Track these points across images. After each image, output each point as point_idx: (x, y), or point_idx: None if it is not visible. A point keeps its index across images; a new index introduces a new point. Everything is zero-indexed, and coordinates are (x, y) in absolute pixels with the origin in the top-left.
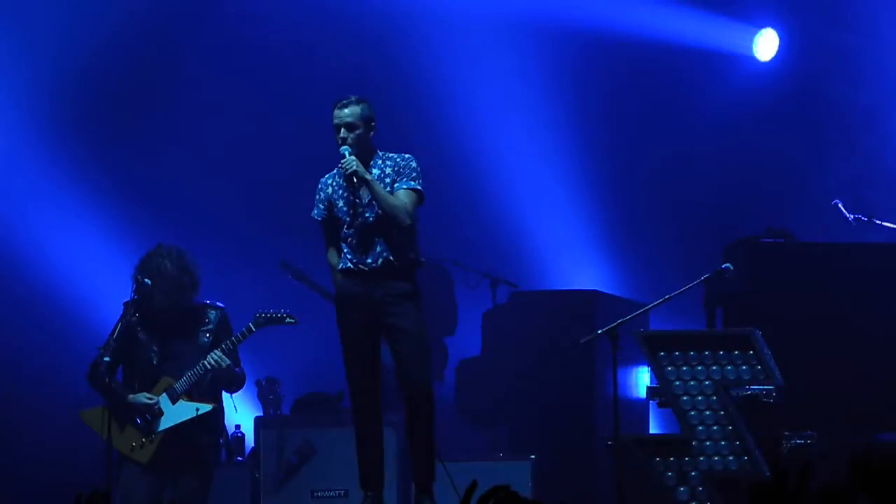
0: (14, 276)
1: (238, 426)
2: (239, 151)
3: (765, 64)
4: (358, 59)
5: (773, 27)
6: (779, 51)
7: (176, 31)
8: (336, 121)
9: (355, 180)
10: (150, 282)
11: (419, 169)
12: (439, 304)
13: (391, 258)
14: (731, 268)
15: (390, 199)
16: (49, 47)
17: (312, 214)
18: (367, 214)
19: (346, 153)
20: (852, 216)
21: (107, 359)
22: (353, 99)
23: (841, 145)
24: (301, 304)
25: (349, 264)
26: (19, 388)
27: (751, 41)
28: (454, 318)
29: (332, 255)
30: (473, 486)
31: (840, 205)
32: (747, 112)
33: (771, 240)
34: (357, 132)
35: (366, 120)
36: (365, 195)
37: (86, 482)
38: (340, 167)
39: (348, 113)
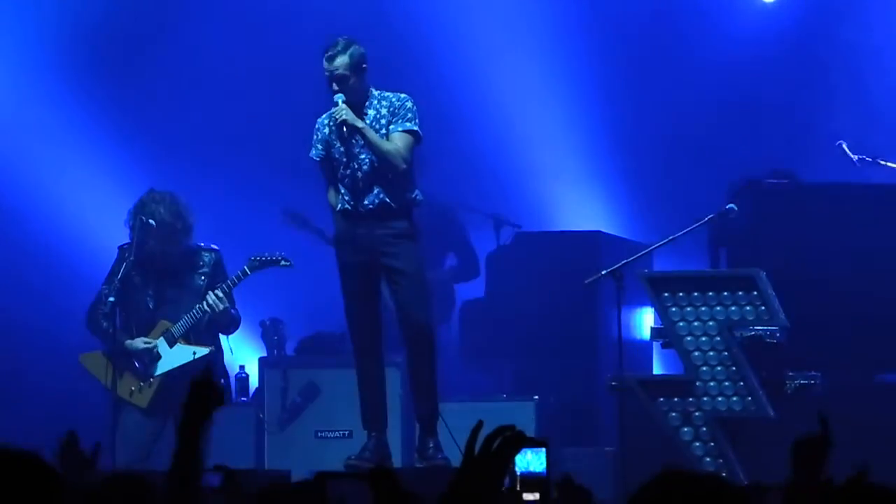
0: (11, 220)
1: (242, 367)
2: (238, 93)
3: (769, 5)
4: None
5: None
6: None
7: None
8: (326, 73)
9: (345, 129)
10: (144, 224)
11: (415, 109)
12: (458, 249)
13: (387, 199)
14: (736, 209)
15: (384, 144)
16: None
17: (310, 154)
18: (362, 157)
19: (340, 101)
20: (857, 157)
21: (111, 298)
22: (340, 47)
23: (845, 86)
24: (304, 244)
25: (346, 205)
26: (19, 332)
27: None
28: (473, 260)
29: (332, 195)
30: (479, 426)
31: (844, 145)
32: (752, 54)
33: (775, 181)
34: (350, 82)
35: (355, 67)
36: (358, 140)
37: (86, 426)
38: (332, 115)
39: (337, 65)
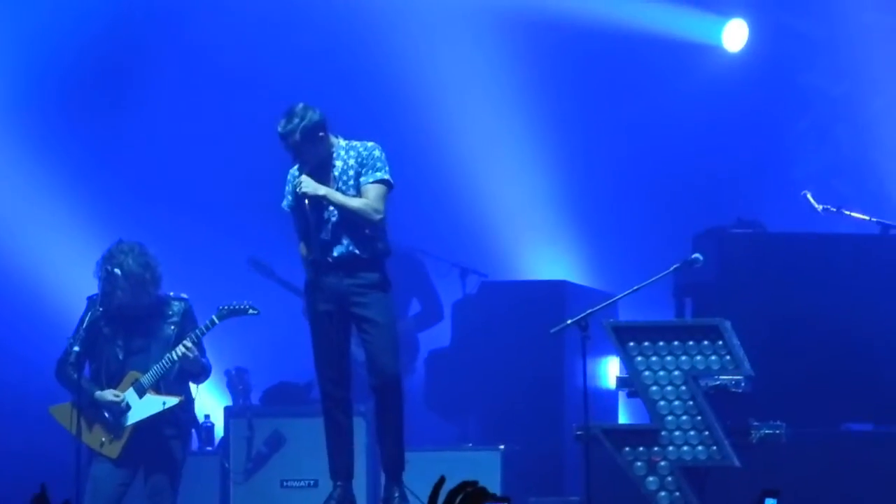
0: None
1: (207, 416)
2: (209, 141)
3: (734, 54)
4: (325, 46)
5: (742, 17)
6: (748, 41)
7: (149, 21)
8: (282, 145)
9: (307, 202)
10: (111, 274)
11: (384, 157)
12: (420, 294)
13: (356, 251)
14: (701, 258)
15: (351, 203)
16: (24, 34)
17: (282, 205)
18: (330, 208)
19: (298, 174)
20: (821, 206)
21: (76, 348)
22: (295, 120)
23: (810, 136)
24: (270, 293)
25: (316, 256)
26: None
27: (719, 31)
28: (436, 304)
29: (302, 245)
30: (441, 481)
31: (809, 195)
32: (716, 102)
33: (740, 230)
34: (304, 151)
35: (311, 136)
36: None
37: (55, 477)
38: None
39: (291, 141)
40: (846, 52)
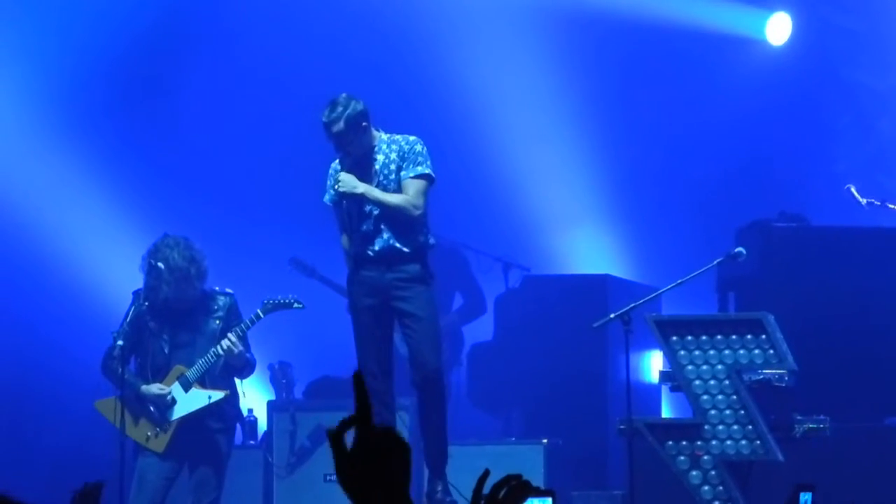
0: (30, 264)
1: (251, 410)
2: (254, 138)
3: (777, 48)
4: (368, 41)
5: (785, 11)
6: (791, 35)
7: (192, 17)
8: (325, 133)
9: (344, 201)
10: (156, 268)
11: (426, 151)
12: (463, 287)
13: (397, 244)
14: (744, 252)
15: (391, 199)
16: (66, 36)
17: (324, 199)
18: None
19: (340, 167)
20: (865, 200)
21: (120, 342)
22: (339, 109)
23: (854, 129)
24: (313, 287)
25: (358, 250)
26: (36, 378)
27: (763, 25)
28: (479, 297)
29: (345, 239)
30: (485, 474)
31: (853, 188)
32: (760, 96)
33: (784, 224)
34: (349, 143)
35: (354, 124)
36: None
37: (100, 472)
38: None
39: (335, 130)
40: (890, 46)
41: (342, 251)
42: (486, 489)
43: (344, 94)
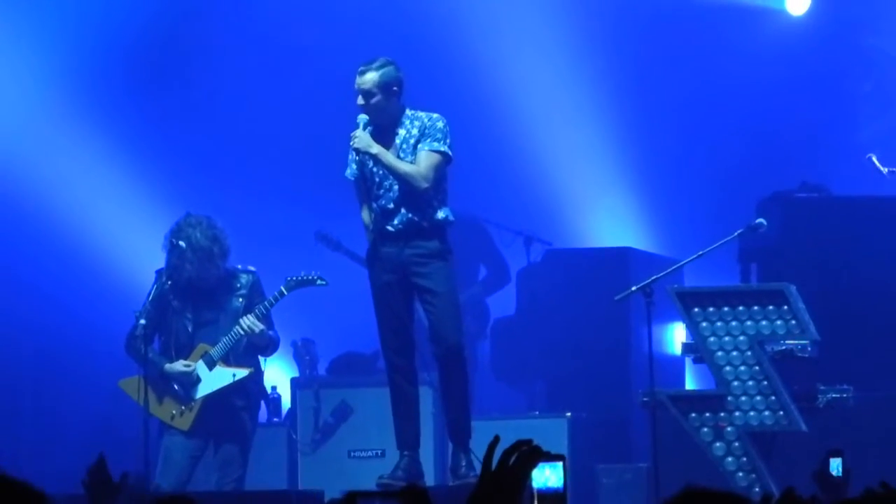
0: (55, 244)
1: (274, 387)
2: (275, 114)
3: (797, 17)
4: (391, 18)
5: None
6: (811, 4)
7: None
8: (356, 86)
9: (357, 156)
10: (180, 248)
11: (446, 129)
12: (486, 259)
13: (416, 219)
14: (765, 223)
15: (401, 167)
16: (87, 15)
17: (346, 174)
18: (390, 176)
19: (361, 123)
20: (887, 169)
21: (142, 321)
22: (375, 65)
23: (875, 98)
24: (336, 263)
25: (378, 225)
26: (62, 357)
27: None
28: (503, 267)
29: (365, 214)
30: (495, 441)
31: (874, 158)
32: (780, 66)
33: (805, 194)
34: (375, 99)
35: (385, 86)
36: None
37: (125, 451)
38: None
39: (367, 80)
40: None
41: (363, 226)
42: (497, 456)
43: (383, 57)
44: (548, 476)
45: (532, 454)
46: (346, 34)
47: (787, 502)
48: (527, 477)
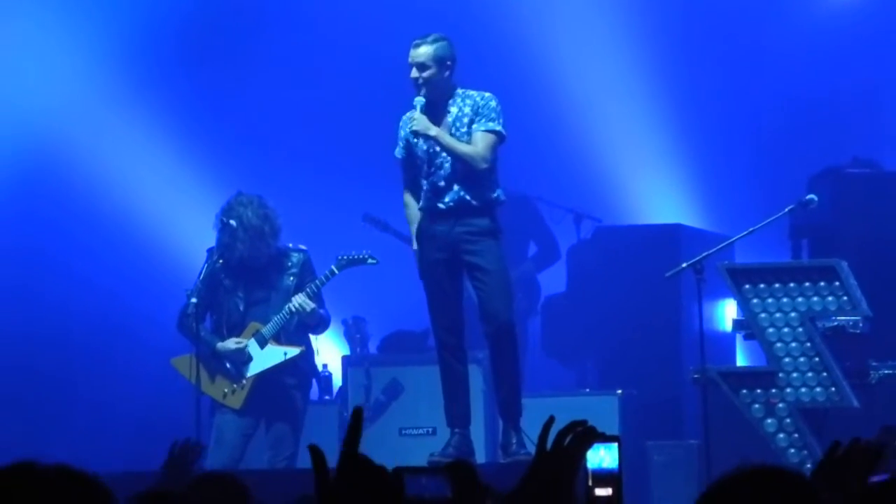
0: (106, 225)
1: (325, 365)
2: (326, 94)
3: None
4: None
5: None
6: None
7: None
8: (409, 59)
9: (416, 139)
10: (231, 227)
11: (499, 108)
12: (537, 235)
13: (467, 197)
14: (816, 199)
15: (460, 147)
16: None
17: (395, 153)
18: (443, 154)
19: (418, 106)
20: None
21: (194, 300)
22: (430, 38)
23: None
24: (387, 242)
25: (428, 203)
26: (115, 337)
27: None
28: (552, 243)
29: (408, 195)
30: (550, 421)
31: None
32: (831, 40)
33: (856, 170)
34: (428, 72)
35: (440, 60)
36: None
37: (177, 429)
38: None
39: (421, 53)
40: None
41: (402, 205)
42: (552, 436)
43: (440, 33)
44: (602, 457)
45: (587, 435)
46: (397, 12)
47: (854, 450)
48: (581, 458)
